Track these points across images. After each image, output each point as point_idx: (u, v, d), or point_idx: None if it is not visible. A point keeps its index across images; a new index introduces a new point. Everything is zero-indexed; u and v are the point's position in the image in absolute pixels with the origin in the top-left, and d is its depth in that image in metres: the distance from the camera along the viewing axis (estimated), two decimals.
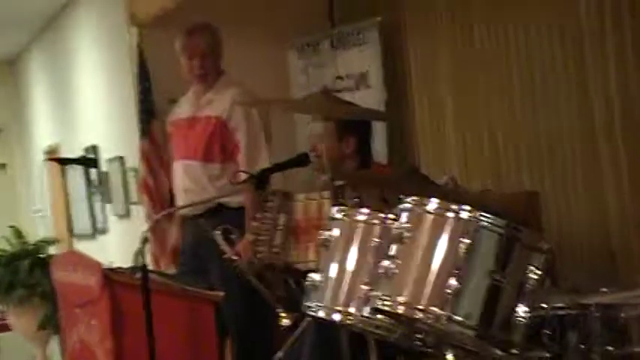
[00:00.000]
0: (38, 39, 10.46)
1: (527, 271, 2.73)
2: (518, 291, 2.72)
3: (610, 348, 2.71)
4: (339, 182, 3.98)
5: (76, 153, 8.74)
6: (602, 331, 2.73)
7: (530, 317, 2.71)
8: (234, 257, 4.70)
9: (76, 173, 8.62)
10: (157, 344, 4.17)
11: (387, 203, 3.75)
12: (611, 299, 2.81)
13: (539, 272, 2.72)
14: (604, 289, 3.11)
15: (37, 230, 10.19)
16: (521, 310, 2.70)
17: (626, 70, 4.93)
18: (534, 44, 5.52)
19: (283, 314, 4.40)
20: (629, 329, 2.69)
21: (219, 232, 4.75)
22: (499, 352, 2.77)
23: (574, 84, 5.26)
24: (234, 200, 5.10)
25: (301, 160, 4.58)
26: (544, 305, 2.91)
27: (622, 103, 4.97)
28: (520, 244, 2.74)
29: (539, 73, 5.51)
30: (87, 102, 8.84)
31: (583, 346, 2.77)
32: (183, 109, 5.55)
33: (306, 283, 3.25)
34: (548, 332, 2.86)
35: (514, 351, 2.73)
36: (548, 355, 2.85)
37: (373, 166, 4.71)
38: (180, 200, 5.46)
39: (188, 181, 5.39)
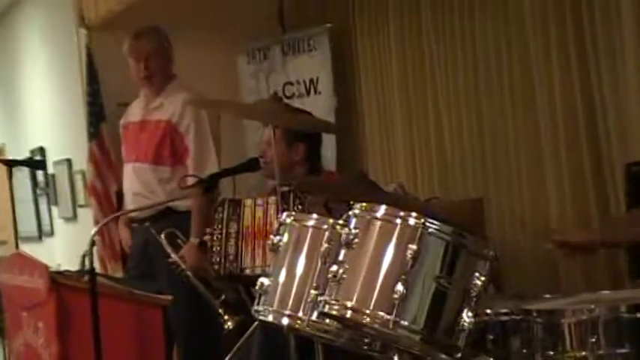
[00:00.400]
0: None
1: (472, 277, 2.75)
2: (463, 296, 2.74)
3: (551, 353, 2.75)
4: (287, 188, 4.02)
5: (23, 154, 8.65)
6: (544, 337, 2.78)
7: (474, 322, 2.73)
8: (179, 261, 4.72)
9: (22, 175, 8.53)
10: (103, 348, 4.15)
11: (329, 211, 3.80)
12: (553, 305, 2.85)
13: (484, 278, 2.75)
14: (547, 295, 3.17)
15: None
16: (466, 315, 2.72)
17: (571, 81, 5.02)
18: (482, 50, 5.60)
19: (226, 317, 4.43)
20: (569, 334, 2.75)
21: (164, 236, 4.78)
22: (444, 357, 2.79)
23: (520, 94, 5.34)
24: (182, 204, 5.10)
25: (251, 166, 4.60)
26: (488, 311, 2.97)
27: (565, 113, 5.05)
28: (466, 251, 2.77)
29: (486, 81, 5.58)
30: (34, 103, 8.77)
31: (525, 351, 2.82)
32: (134, 113, 5.54)
33: (256, 287, 3.26)
34: (491, 337, 2.92)
35: (458, 355, 2.76)
36: (491, 359, 2.90)
37: (322, 174, 4.76)
38: (130, 203, 5.46)
39: (138, 184, 5.39)
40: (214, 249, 4.46)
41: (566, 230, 3.49)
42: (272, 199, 4.33)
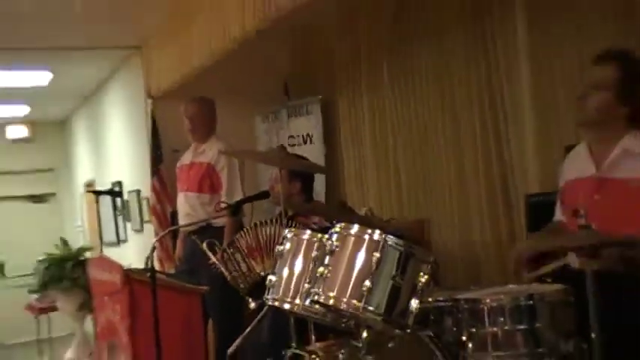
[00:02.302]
0: (81, 106, 10.38)
1: (418, 276, 2.73)
2: (412, 290, 2.72)
3: (473, 329, 2.70)
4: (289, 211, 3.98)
5: (106, 186, 8.69)
6: (468, 317, 2.73)
7: (419, 307, 2.71)
8: (217, 262, 4.66)
9: (106, 200, 8.54)
10: (160, 323, 4.14)
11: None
12: (475, 295, 2.81)
13: (427, 277, 2.73)
14: (472, 288, 3.13)
15: (78, 240, 10.06)
16: (414, 302, 2.71)
17: (486, 130, 4.96)
18: (424, 113, 5.56)
19: (250, 301, 4.35)
20: (486, 316, 2.69)
21: (205, 245, 4.71)
22: (398, 331, 2.77)
23: (451, 142, 5.29)
24: (219, 221, 5.07)
25: (263, 195, 4.58)
26: (430, 299, 2.93)
27: (482, 154, 4.98)
28: (414, 258, 2.74)
29: (428, 136, 5.54)
30: (114, 150, 8.79)
31: (455, 328, 2.78)
32: (185, 158, 5.57)
33: (266, 282, 3.23)
34: (432, 318, 2.88)
35: (408, 330, 2.74)
36: (431, 333, 2.86)
37: (314, 203, 4.71)
38: (182, 220, 5.45)
39: (187, 207, 5.39)
40: (234, 275, 4.35)
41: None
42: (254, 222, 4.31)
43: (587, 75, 2.95)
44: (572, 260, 2.95)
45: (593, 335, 2.43)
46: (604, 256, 2.55)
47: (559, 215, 3.24)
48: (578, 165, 3.03)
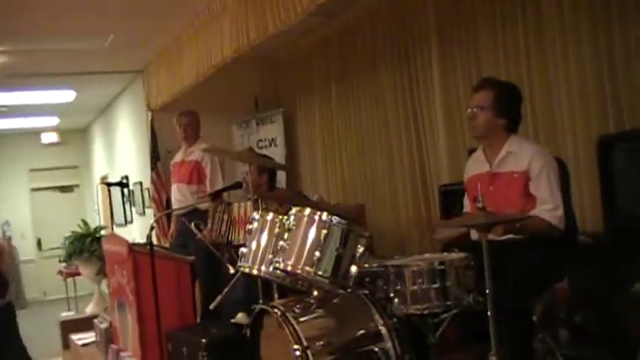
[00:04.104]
0: (98, 117, 10.17)
1: (357, 248, 2.67)
2: (352, 258, 2.66)
3: (398, 287, 2.66)
4: (257, 197, 3.90)
5: (117, 179, 8.49)
6: (394, 279, 2.68)
7: (358, 272, 2.65)
8: (203, 238, 4.54)
9: (116, 190, 8.38)
10: (158, 286, 4.00)
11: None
12: (400, 262, 2.77)
13: (363, 248, 2.68)
14: (396, 257, 3.08)
15: (95, 221, 9.85)
16: (353, 268, 2.65)
17: (409, 133, 4.95)
18: (363, 119, 5.53)
19: (230, 266, 4.24)
20: (408, 277, 2.64)
21: (193, 224, 4.59)
22: (342, 291, 2.72)
23: (385, 145, 5.28)
24: (203, 205, 4.96)
25: (237, 185, 4.49)
26: (366, 265, 2.87)
27: (407, 154, 4.99)
28: (353, 234, 2.68)
29: (365, 138, 5.52)
30: (123, 151, 8.60)
31: (385, 287, 2.73)
32: (177, 157, 5.42)
33: (239, 253, 3.12)
34: (367, 279, 2.81)
35: (349, 290, 2.69)
36: (367, 291, 2.79)
37: (277, 190, 4.64)
38: (175, 205, 5.31)
39: (179, 195, 5.24)
40: (214, 229, 4.26)
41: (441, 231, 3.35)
42: (249, 203, 4.21)
43: (472, 100, 2.95)
44: (473, 234, 2.94)
45: (487, 290, 2.39)
46: (495, 230, 2.53)
47: (467, 207, 3.23)
48: (476, 165, 3.03)
